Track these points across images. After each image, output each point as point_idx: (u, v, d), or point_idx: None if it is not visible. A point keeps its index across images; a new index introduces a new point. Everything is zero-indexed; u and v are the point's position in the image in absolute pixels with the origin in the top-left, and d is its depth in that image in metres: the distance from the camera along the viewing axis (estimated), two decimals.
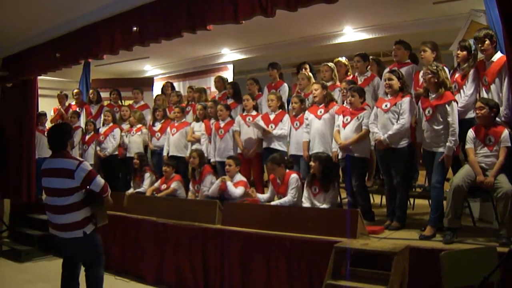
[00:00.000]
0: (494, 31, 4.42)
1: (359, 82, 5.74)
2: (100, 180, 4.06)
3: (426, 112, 4.47)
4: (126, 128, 7.61)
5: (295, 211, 4.94)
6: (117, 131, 7.54)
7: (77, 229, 3.96)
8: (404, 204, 4.81)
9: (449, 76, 4.57)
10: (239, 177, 5.81)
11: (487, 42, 4.35)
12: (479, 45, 4.42)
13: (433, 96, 4.43)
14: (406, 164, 4.72)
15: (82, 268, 4.21)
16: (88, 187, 4.01)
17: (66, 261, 4.20)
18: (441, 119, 4.34)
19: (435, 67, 4.41)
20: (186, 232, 5.37)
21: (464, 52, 4.68)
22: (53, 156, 4.13)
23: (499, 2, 3.52)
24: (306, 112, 5.67)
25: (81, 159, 4.14)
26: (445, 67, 4.60)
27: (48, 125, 8.44)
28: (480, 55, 4.65)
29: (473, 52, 4.63)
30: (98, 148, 7.54)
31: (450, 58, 5.37)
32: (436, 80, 4.37)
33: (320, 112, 5.50)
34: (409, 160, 4.80)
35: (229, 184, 5.66)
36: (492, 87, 4.38)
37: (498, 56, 4.34)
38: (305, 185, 5.20)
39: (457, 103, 4.39)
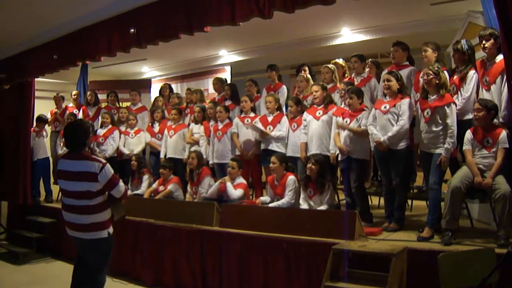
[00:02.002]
0: None
1: (356, 83, 5.74)
2: (122, 185, 3.93)
3: (425, 113, 4.47)
4: (124, 130, 7.59)
5: (293, 212, 4.95)
6: (116, 133, 7.53)
7: (102, 230, 3.88)
8: (402, 206, 4.82)
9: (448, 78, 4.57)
10: (240, 179, 5.80)
11: (492, 41, 4.33)
12: (483, 43, 4.39)
13: (433, 97, 4.43)
14: (405, 166, 4.73)
15: None
16: (109, 190, 3.88)
17: (79, 261, 4.06)
18: (439, 121, 4.35)
19: (437, 68, 4.41)
20: (184, 234, 5.37)
21: (457, 55, 4.67)
22: (70, 157, 3.88)
23: (497, 4, 3.53)
24: (305, 113, 5.67)
25: (103, 161, 3.88)
26: (445, 70, 4.60)
27: (46, 128, 8.40)
28: (481, 54, 4.64)
29: (467, 52, 4.61)
30: (97, 150, 7.52)
31: (448, 59, 5.37)
32: (437, 82, 4.37)
33: (319, 113, 5.50)
34: (408, 162, 4.81)
35: (229, 186, 5.65)
36: (493, 87, 4.37)
37: (501, 57, 4.31)
38: (301, 188, 5.20)
39: (455, 105, 4.40)
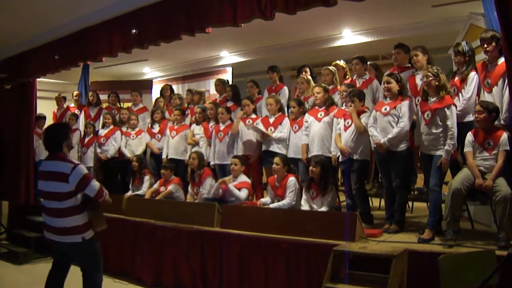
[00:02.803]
0: None
1: (358, 85, 5.74)
2: (95, 184, 3.86)
3: (425, 115, 4.47)
4: (125, 131, 7.60)
5: (293, 214, 4.94)
6: (118, 133, 7.54)
7: (76, 234, 3.82)
8: (403, 208, 4.82)
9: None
10: (243, 177, 5.80)
11: (494, 44, 4.33)
12: (485, 46, 4.40)
13: (433, 99, 4.43)
14: (405, 167, 4.73)
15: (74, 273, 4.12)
16: (82, 191, 3.82)
17: (57, 265, 4.07)
18: (440, 123, 4.35)
19: (436, 70, 4.41)
20: (184, 235, 5.37)
21: (458, 57, 4.67)
22: (49, 158, 3.98)
23: (498, 6, 3.53)
24: (306, 114, 5.67)
25: (76, 162, 3.90)
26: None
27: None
28: (483, 57, 4.65)
29: (467, 54, 4.62)
30: (99, 150, 7.53)
31: (449, 61, 5.37)
32: (437, 83, 4.38)
33: (321, 115, 5.51)
34: (408, 163, 4.80)
35: (232, 188, 5.64)
36: (495, 89, 4.37)
37: (502, 59, 4.28)
38: (303, 189, 5.20)
39: (456, 107, 4.40)
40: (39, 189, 3.99)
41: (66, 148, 4.04)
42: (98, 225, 3.99)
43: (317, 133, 5.44)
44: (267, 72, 6.92)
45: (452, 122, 4.28)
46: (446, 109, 4.31)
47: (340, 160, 5.15)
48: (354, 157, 5.01)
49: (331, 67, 6.19)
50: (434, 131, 4.39)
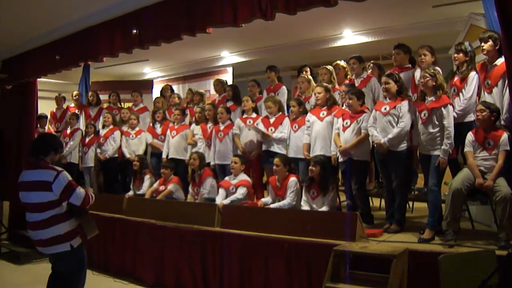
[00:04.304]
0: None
1: (356, 84, 5.73)
2: (80, 192, 3.69)
3: (422, 115, 4.49)
4: (125, 130, 7.60)
5: (294, 214, 4.95)
6: (117, 133, 7.54)
7: (63, 243, 3.68)
8: (403, 207, 4.82)
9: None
10: (243, 176, 5.80)
11: (490, 43, 4.35)
12: (482, 45, 4.42)
13: (430, 99, 4.45)
14: (405, 167, 4.73)
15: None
16: (67, 199, 3.68)
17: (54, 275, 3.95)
18: (436, 122, 4.37)
19: (433, 70, 4.43)
20: (185, 235, 5.37)
21: (461, 55, 4.67)
22: (30, 167, 3.80)
23: (498, 7, 3.53)
24: (308, 114, 5.67)
25: (59, 169, 3.72)
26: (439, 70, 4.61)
27: (48, 127, 8.43)
28: (483, 57, 4.66)
29: (469, 54, 4.63)
30: (98, 151, 7.54)
31: (449, 61, 5.38)
32: (434, 83, 4.39)
33: (323, 114, 5.50)
34: (409, 163, 4.81)
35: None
36: (495, 90, 4.38)
37: (502, 59, 4.30)
38: (303, 189, 5.20)
39: (453, 106, 4.42)
40: (21, 201, 3.78)
41: (49, 159, 3.83)
42: (90, 232, 3.88)
43: (320, 133, 5.43)
44: (265, 71, 6.92)
45: (448, 122, 4.29)
46: (443, 109, 4.32)
47: (339, 160, 5.16)
48: (354, 158, 5.01)
49: (328, 66, 6.18)
50: (431, 130, 4.40)
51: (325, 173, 5.04)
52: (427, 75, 4.42)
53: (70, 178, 3.72)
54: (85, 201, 3.73)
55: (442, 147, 4.29)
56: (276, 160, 5.38)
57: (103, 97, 8.86)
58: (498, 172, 4.00)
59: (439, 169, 4.34)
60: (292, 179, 5.28)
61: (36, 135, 4.19)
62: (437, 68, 4.60)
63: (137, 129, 7.58)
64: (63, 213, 3.71)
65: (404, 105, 4.65)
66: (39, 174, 3.66)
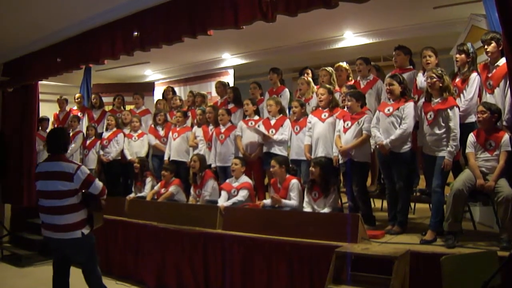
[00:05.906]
0: None
1: (362, 86, 5.74)
2: (98, 183, 4.16)
3: (428, 116, 4.47)
4: (127, 133, 7.60)
5: (296, 215, 4.94)
6: (120, 136, 7.53)
7: (76, 230, 4.00)
8: (405, 209, 4.81)
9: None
10: (244, 178, 5.80)
11: (493, 44, 4.35)
12: (485, 47, 4.42)
13: (436, 100, 4.43)
14: (408, 169, 4.72)
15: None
16: (87, 189, 4.08)
17: (58, 264, 4.23)
18: (442, 124, 4.36)
19: (440, 71, 4.41)
20: (187, 237, 5.38)
21: (463, 55, 4.65)
22: (50, 159, 4.17)
23: (499, 8, 3.53)
24: (310, 115, 5.67)
25: (79, 163, 4.21)
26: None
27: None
28: (484, 58, 4.65)
29: (471, 55, 4.62)
30: (101, 152, 7.54)
31: (450, 62, 5.38)
32: (441, 85, 4.38)
33: (324, 115, 5.50)
34: (411, 165, 4.80)
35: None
36: (497, 91, 4.38)
37: (504, 60, 4.29)
38: (305, 191, 5.20)
39: (458, 108, 4.40)
40: (38, 189, 4.11)
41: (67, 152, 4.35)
42: (97, 222, 4.22)
43: (322, 134, 5.42)
44: (268, 73, 6.92)
45: (455, 124, 4.28)
46: (449, 110, 4.31)
47: (340, 161, 5.15)
48: (355, 159, 5.00)
49: (328, 68, 6.19)
50: (437, 132, 4.39)
51: (325, 174, 5.03)
52: (434, 75, 4.40)
53: (89, 171, 4.16)
54: (102, 191, 4.18)
55: (448, 148, 4.28)
56: (272, 162, 5.41)
57: (105, 99, 8.85)
58: (500, 173, 4.00)
59: (444, 170, 4.33)
60: (294, 181, 5.28)
61: (50, 131, 4.57)
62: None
63: (139, 131, 7.58)
64: (78, 203, 4.04)
65: (407, 107, 4.63)
66: (60, 165, 4.02)
